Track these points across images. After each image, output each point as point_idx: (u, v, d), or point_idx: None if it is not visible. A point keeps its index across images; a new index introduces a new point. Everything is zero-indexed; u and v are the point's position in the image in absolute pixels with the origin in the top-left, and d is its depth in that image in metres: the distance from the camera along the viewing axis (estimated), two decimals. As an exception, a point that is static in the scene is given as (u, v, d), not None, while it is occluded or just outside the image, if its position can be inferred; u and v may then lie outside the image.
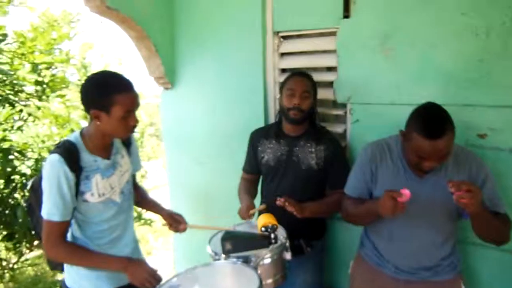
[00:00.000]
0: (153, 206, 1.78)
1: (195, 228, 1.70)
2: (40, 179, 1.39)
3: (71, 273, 1.49)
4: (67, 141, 1.39)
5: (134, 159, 1.65)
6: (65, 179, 1.31)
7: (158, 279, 1.38)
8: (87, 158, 1.39)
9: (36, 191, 1.41)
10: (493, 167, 1.44)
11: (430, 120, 1.28)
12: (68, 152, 1.34)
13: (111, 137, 1.46)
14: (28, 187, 1.55)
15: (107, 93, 1.32)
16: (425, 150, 1.28)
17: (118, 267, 1.40)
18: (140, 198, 1.74)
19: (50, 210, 1.32)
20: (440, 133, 1.24)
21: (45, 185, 1.33)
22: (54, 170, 1.31)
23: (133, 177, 1.69)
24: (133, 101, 1.37)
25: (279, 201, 1.59)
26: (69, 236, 1.45)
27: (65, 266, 1.51)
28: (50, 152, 1.37)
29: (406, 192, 1.25)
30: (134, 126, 1.41)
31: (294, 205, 1.59)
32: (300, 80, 1.77)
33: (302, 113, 1.75)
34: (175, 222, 1.69)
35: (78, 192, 1.37)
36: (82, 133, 1.43)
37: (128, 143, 1.62)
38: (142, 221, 6.08)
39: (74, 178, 1.34)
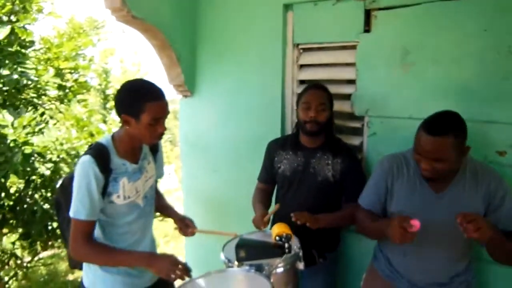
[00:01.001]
0: (168, 210, 1.82)
1: (202, 233, 1.73)
2: (70, 178, 1.43)
3: (88, 274, 1.52)
4: (99, 143, 1.44)
5: (159, 166, 1.70)
6: (94, 180, 1.35)
7: (186, 268, 1.37)
8: (116, 161, 1.44)
9: (66, 189, 1.45)
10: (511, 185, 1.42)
11: (436, 117, 1.29)
12: (100, 154, 1.39)
13: (139, 142, 1.50)
14: (58, 184, 1.60)
15: (138, 100, 1.37)
16: (422, 145, 1.27)
17: (142, 264, 1.41)
18: (157, 203, 1.78)
19: (76, 209, 1.36)
20: (441, 131, 1.23)
21: (75, 185, 1.37)
22: (84, 170, 1.36)
23: (156, 183, 1.73)
24: (162, 109, 1.41)
25: (293, 218, 1.60)
26: None
27: (84, 265, 1.54)
28: (83, 153, 1.41)
29: (416, 223, 1.22)
30: (162, 133, 1.45)
31: (307, 218, 1.60)
32: (315, 93, 1.78)
33: (318, 125, 1.76)
34: (185, 226, 1.73)
35: (105, 193, 1.41)
36: (113, 137, 1.48)
37: (155, 150, 1.66)
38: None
39: (103, 179, 1.38)
